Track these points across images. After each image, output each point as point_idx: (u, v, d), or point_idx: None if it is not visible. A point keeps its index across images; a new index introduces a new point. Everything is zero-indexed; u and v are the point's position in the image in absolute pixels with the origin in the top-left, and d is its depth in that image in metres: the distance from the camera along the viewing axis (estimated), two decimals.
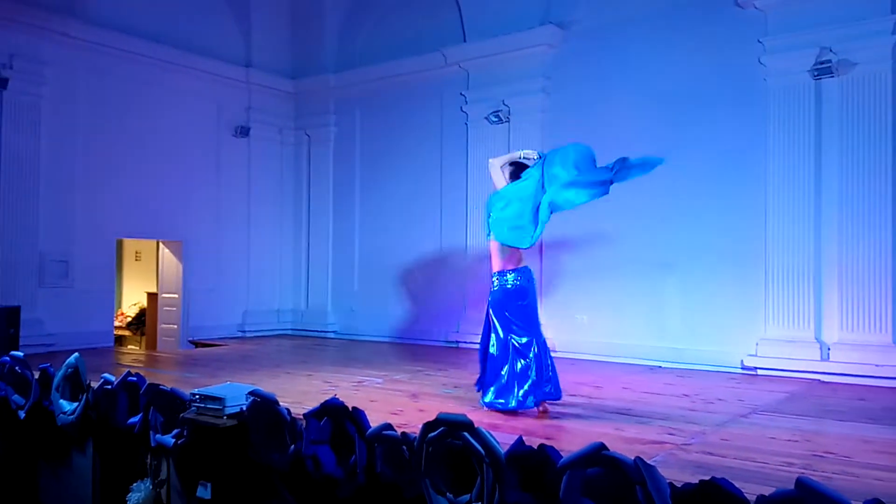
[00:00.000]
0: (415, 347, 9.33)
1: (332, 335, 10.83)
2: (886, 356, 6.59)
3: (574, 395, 5.95)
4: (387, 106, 10.50)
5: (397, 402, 5.54)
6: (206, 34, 10.31)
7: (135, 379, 5.37)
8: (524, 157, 5.48)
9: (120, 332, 11.66)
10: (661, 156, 8.13)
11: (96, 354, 7.97)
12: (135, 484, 5.22)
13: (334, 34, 11.00)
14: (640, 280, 7.95)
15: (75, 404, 5.58)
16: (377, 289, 10.45)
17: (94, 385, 5.56)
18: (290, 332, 11.23)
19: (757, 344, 7.30)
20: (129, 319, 12.22)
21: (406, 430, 4.00)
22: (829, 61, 6.91)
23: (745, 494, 2.87)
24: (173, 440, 4.89)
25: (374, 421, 4.15)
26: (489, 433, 3.58)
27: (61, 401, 5.68)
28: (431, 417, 3.78)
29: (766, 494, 2.82)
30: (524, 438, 3.57)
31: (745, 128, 7.52)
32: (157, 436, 5.01)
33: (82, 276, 9.00)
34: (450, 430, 3.66)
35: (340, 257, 10.98)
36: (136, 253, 12.96)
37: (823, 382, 6.70)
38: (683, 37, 7.91)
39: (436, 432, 3.71)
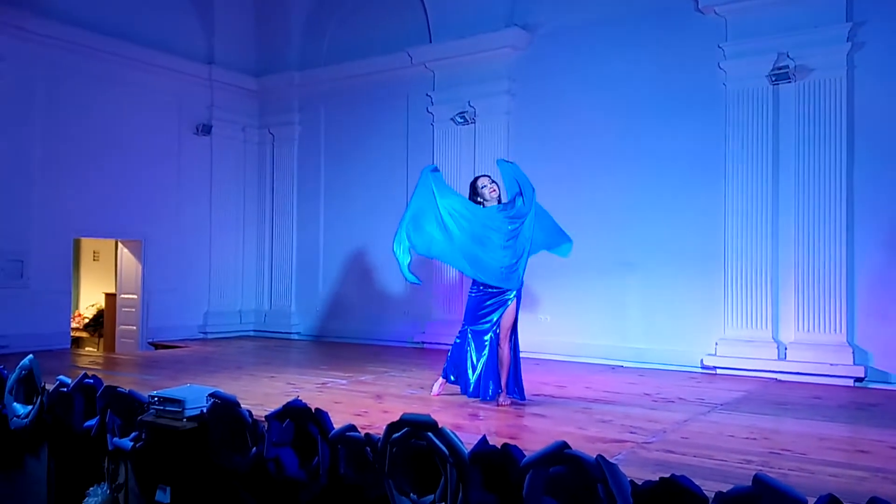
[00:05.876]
0: (380, 348, 9.29)
1: (295, 336, 10.73)
2: (840, 356, 6.76)
3: (537, 395, 6.00)
4: (352, 105, 10.43)
5: (361, 403, 5.51)
6: (168, 30, 10.13)
7: (91, 381, 5.25)
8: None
9: (77, 334, 11.39)
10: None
11: (52, 356, 7.77)
12: (91, 488, 5.09)
13: (299, 32, 10.90)
14: (602, 281, 8.03)
15: (29, 407, 5.43)
16: (342, 289, 10.39)
17: (49, 388, 5.42)
18: (252, 333, 11.09)
19: (716, 344, 7.43)
20: (87, 321, 11.94)
21: (370, 432, 3.98)
22: (787, 67, 7.05)
23: (704, 491, 2.91)
24: (131, 443, 4.79)
25: (338, 422, 4.12)
26: (453, 433, 3.58)
27: (15, 404, 5.53)
28: (396, 418, 3.76)
29: (725, 491, 2.87)
30: (488, 438, 3.58)
31: (705, 131, 7.64)
32: (115, 439, 4.89)
33: (38, 276, 8.76)
34: (414, 430, 3.65)
35: (304, 257, 10.88)
36: (94, 252, 12.67)
37: (780, 381, 6.85)
38: (646, 41, 8.02)
39: (400, 433, 3.70)
